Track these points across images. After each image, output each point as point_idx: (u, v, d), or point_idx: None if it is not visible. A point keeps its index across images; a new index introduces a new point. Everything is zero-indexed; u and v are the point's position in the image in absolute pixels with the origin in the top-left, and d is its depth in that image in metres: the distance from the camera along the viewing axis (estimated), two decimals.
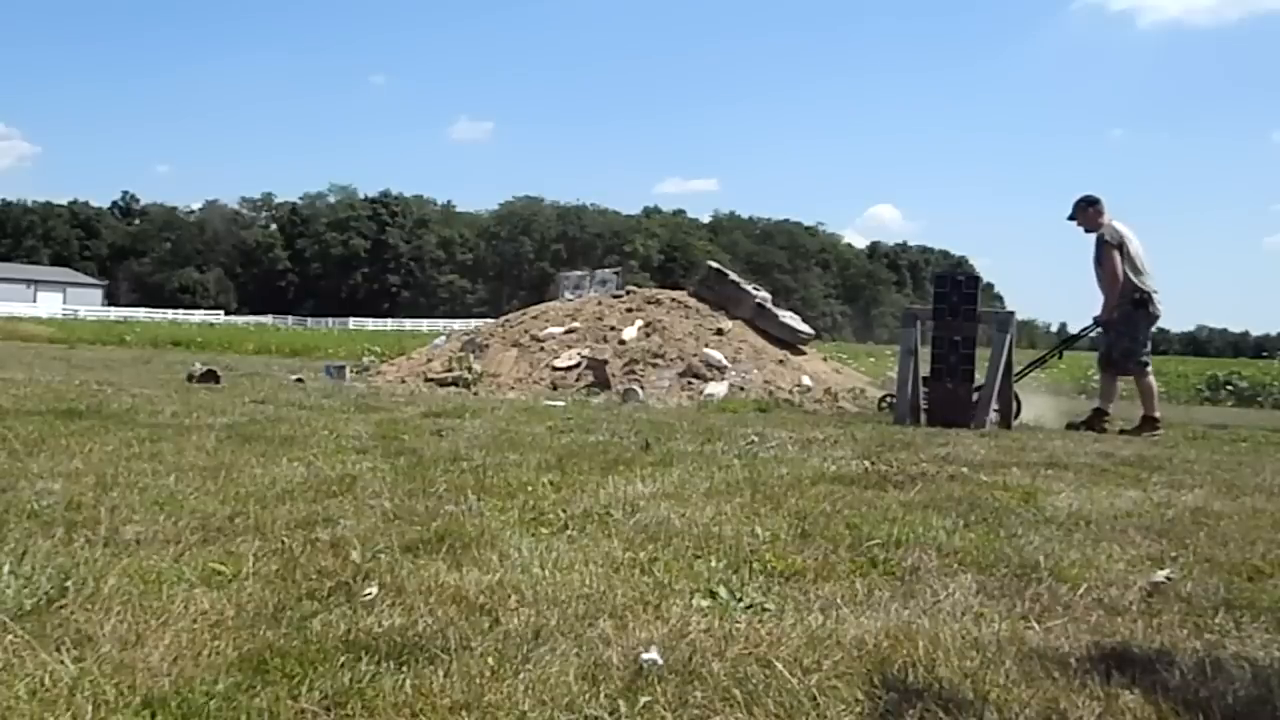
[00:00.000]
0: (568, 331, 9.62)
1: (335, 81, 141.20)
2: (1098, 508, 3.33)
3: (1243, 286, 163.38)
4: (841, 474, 3.80)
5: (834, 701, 1.61)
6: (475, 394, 8.53)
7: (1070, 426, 7.06)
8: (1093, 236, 7.17)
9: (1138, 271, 7.04)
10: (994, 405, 6.62)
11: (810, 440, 4.84)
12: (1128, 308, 7.01)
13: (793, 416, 6.92)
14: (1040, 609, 2.16)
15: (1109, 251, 6.97)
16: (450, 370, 9.36)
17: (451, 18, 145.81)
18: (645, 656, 1.74)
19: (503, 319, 11.15)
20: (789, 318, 9.95)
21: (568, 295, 11.25)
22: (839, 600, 2.15)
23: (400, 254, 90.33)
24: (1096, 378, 8.17)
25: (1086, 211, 7.21)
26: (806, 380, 8.79)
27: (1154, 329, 7.36)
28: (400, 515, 2.83)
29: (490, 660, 1.72)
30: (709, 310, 9.94)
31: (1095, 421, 7.02)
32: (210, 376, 8.56)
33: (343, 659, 1.71)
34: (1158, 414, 7.05)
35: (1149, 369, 7.10)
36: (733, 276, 10.33)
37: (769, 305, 9.95)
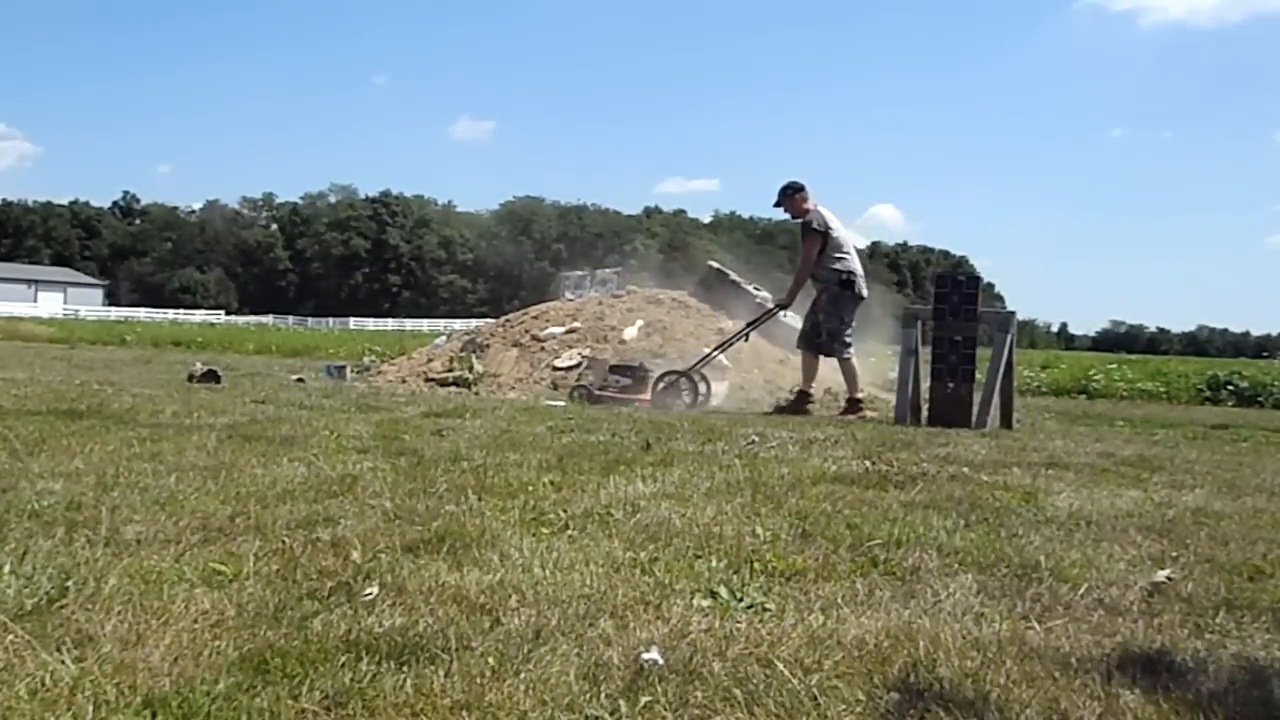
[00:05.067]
0: (568, 331, 9.62)
1: (335, 81, 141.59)
2: (1098, 508, 3.32)
3: (1243, 286, 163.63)
4: (842, 474, 3.80)
5: (834, 701, 1.61)
6: (476, 394, 8.53)
7: (777, 410, 7.18)
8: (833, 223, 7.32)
9: (842, 255, 7.19)
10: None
11: (811, 440, 4.84)
12: (835, 290, 7.19)
13: (793, 416, 6.92)
14: (1041, 609, 2.16)
15: (812, 238, 7.15)
16: (451, 370, 9.37)
17: (452, 18, 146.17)
18: (646, 656, 1.74)
19: (503, 319, 11.14)
20: (789, 318, 9.95)
21: (568, 295, 11.25)
22: (840, 600, 2.15)
23: (401, 254, 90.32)
24: (1098, 377, 8.17)
25: (793, 198, 7.34)
26: None
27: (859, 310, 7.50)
28: (401, 515, 2.83)
29: (491, 660, 1.72)
30: (709, 310, 9.94)
31: (799, 404, 7.17)
32: (211, 376, 8.56)
33: (343, 659, 1.71)
34: (861, 395, 7.20)
35: (851, 350, 7.21)
36: (733, 276, 10.32)
37: (770, 305, 9.94)
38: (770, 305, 9.88)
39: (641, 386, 7.65)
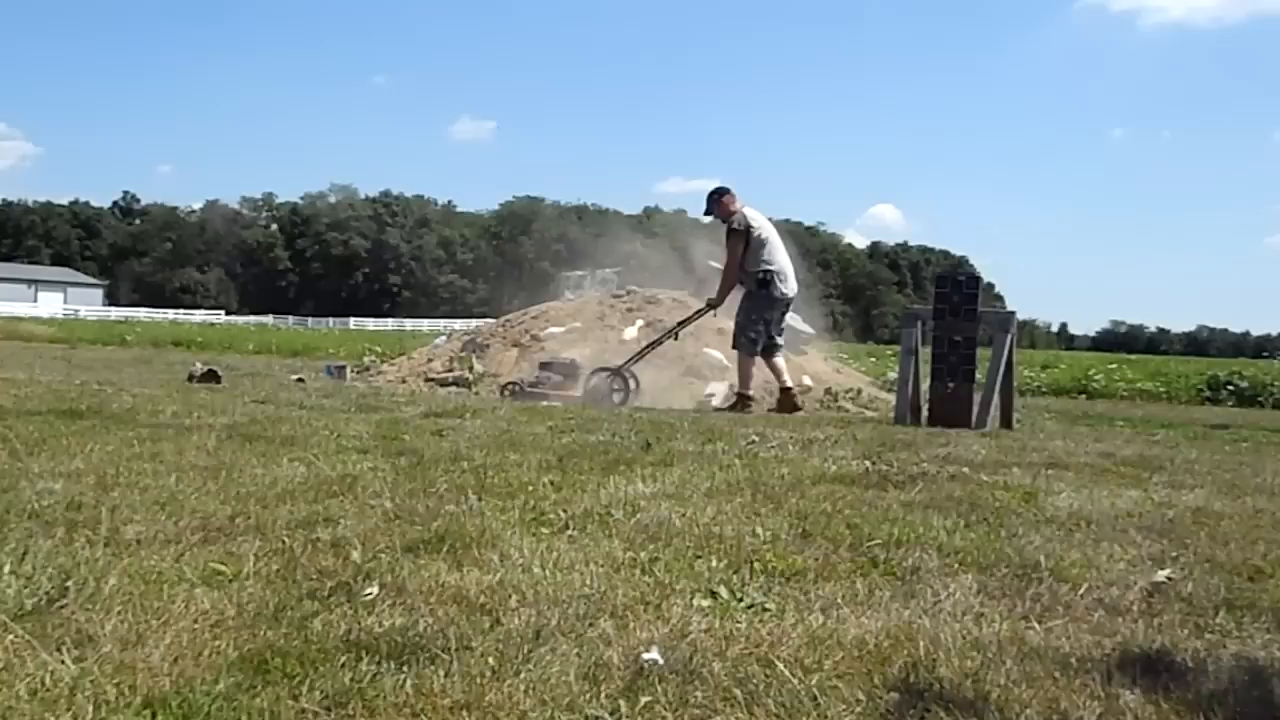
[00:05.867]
0: (568, 331, 9.62)
1: (335, 81, 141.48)
2: (1098, 508, 3.32)
3: (1243, 286, 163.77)
4: (842, 474, 3.80)
5: (834, 701, 1.61)
6: (476, 394, 8.53)
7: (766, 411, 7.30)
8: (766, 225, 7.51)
9: (764, 254, 7.31)
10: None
11: (811, 440, 4.84)
12: (752, 287, 7.32)
13: (793, 416, 6.92)
14: (1041, 609, 2.16)
15: (735, 238, 7.31)
16: (451, 370, 9.37)
17: (452, 18, 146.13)
18: (646, 656, 1.74)
19: (503, 319, 11.14)
20: (790, 318, 9.94)
21: (568, 295, 11.24)
22: (840, 600, 2.15)
23: (401, 254, 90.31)
24: (1098, 377, 8.18)
25: (720, 202, 7.50)
26: (807, 380, 8.78)
27: (785, 312, 7.64)
28: (401, 515, 2.83)
29: (491, 660, 1.72)
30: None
31: (786, 402, 7.29)
32: (211, 376, 8.56)
33: (343, 659, 1.71)
34: (751, 394, 7.29)
35: (756, 348, 7.29)
36: None
37: None
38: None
39: (573, 383, 7.81)
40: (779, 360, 7.43)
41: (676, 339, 7.94)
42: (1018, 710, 1.61)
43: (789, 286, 7.45)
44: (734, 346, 7.40)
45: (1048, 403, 12.23)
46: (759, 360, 7.36)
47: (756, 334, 7.26)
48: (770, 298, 7.33)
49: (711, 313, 7.68)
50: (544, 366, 8.22)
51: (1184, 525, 3.10)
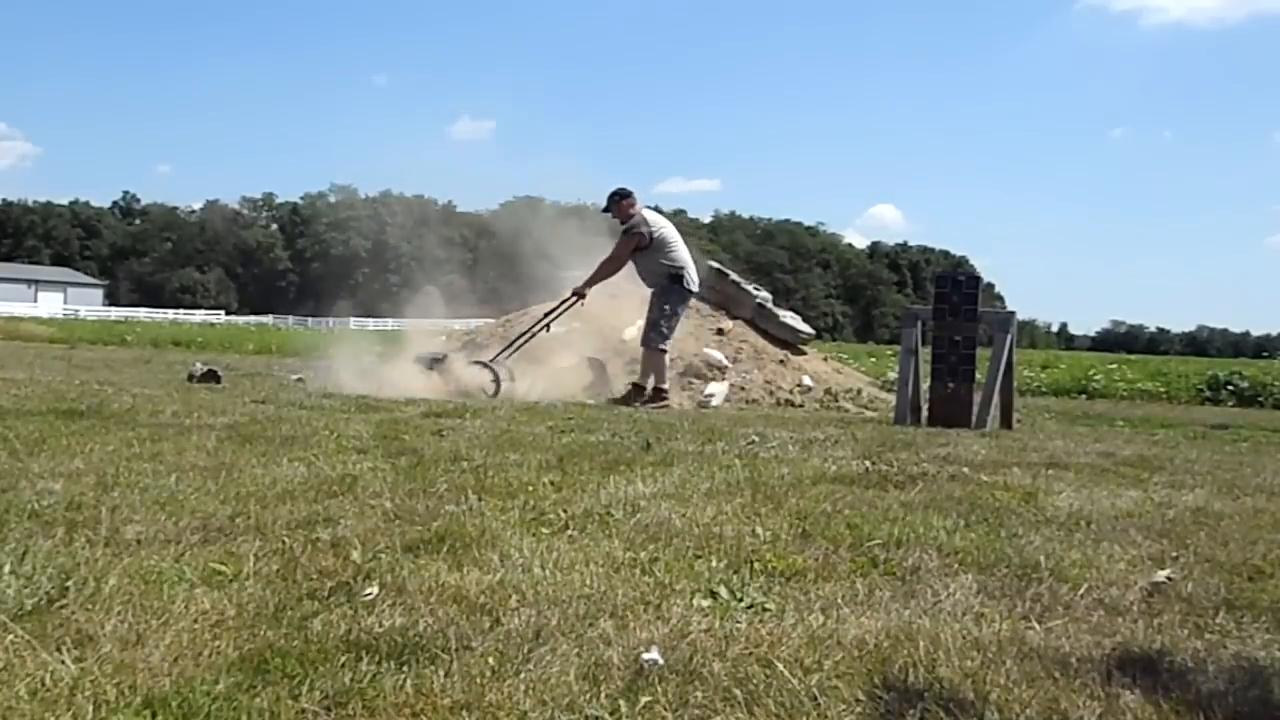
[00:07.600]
0: (568, 331, 9.60)
1: (335, 81, 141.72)
2: (1098, 508, 3.32)
3: (1243, 286, 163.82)
4: (842, 474, 3.80)
5: (834, 701, 1.61)
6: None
7: (614, 401, 7.41)
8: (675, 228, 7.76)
9: (670, 252, 7.52)
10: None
11: (811, 440, 4.84)
12: (665, 283, 7.53)
13: (793, 416, 6.92)
14: (1041, 609, 2.16)
15: (629, 238, 7.50)
16: None
17: (452, 18, 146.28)
18: (646, 656, 1.74)
19: (503, 319, 11.13)
20: (789, 318, 9.94)
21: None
22: (840, 600, 2.15)
23: (401, 254, 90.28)
24: (1098, 377, 8.18)
25: (620, 204, 7.69)
26: (807, 380, 8.79)
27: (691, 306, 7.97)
28: (401, 515, 2.83)
29: (491, 660, 1.72)
30: (709, 310, 9.92)
31: (653, 398, 7.40)
32: (211, 376, 8.56)
33: (343, 659, 1.71)
34: (665, 387, 7.49)
35: (667, 344, 7.52)
36: (733, 276, 10.30)
37: (769, 305, 9.93)
38: (769, 306, 9.92)
39: (444, 375, 7.92)
40: (663, 360, 7.58)
41: (548, 330, 8.02)
42: (1018, 710, 1.61)
43: (696, 284, 7.74)
44: (643, 342, 7.55)
45: (1048, 403, 12.23)
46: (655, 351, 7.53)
47: (669, 329, 7.47)
48: (685, 292, 7.57)
49: (580, 302, 7.81)
50: (417, 360, 8.34)
51: (1184, 525, 3.10)
